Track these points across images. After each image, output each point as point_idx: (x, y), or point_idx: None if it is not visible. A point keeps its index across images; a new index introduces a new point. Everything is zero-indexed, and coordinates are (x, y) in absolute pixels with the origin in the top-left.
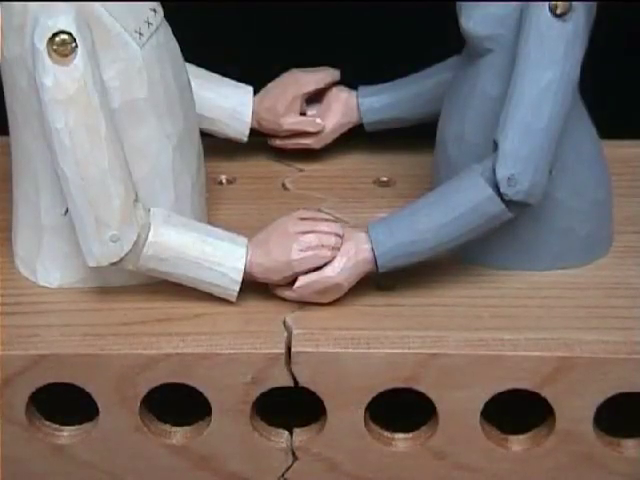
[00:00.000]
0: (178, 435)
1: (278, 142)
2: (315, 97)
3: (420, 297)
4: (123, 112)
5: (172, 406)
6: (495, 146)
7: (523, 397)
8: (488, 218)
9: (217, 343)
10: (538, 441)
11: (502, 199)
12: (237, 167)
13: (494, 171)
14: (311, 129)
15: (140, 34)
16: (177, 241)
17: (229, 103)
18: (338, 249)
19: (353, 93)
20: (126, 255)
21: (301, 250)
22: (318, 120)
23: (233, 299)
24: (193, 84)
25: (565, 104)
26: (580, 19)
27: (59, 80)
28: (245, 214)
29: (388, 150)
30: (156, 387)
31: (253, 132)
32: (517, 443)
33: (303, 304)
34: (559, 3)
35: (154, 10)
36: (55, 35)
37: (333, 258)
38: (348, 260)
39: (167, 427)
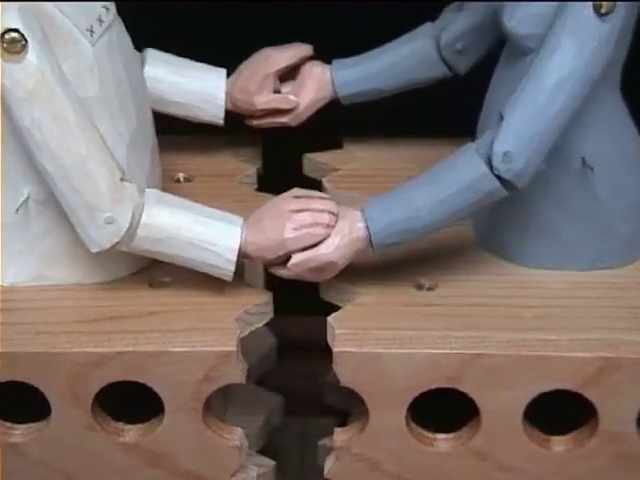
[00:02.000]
0: (131, 433)
1: (255, 122)
2: (290, 74)
3: (460, 297)
4: None
5: (127, 404)
6: (500, 119)
7: (562, 397)
8: (483, 195)
9: (169, 341)
10: (580, 442)
11: (494, 174)
12: (195, 165)
13: (492, 144)
14: (284, 106)
15: (91, 32)
16: (171, 221)
17: (202, 87)
18: (333, 227)
19: (327, 67)
20: (123, 236)
21: (295, 228)
22: (291, 97)
23: (229, 279)
24: (163, 70)
25: (577, 101)
26: (618, 22)
27: (16, 78)
28: None
29: (424, 149)
30: (110, 385)
31: (229, 114)
32: (559, 444)
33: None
34: (604, 2)
35: (106, 8)
36: (3, 35)
37: (328, 236)
38: (342, 238)
39: (120, 425)
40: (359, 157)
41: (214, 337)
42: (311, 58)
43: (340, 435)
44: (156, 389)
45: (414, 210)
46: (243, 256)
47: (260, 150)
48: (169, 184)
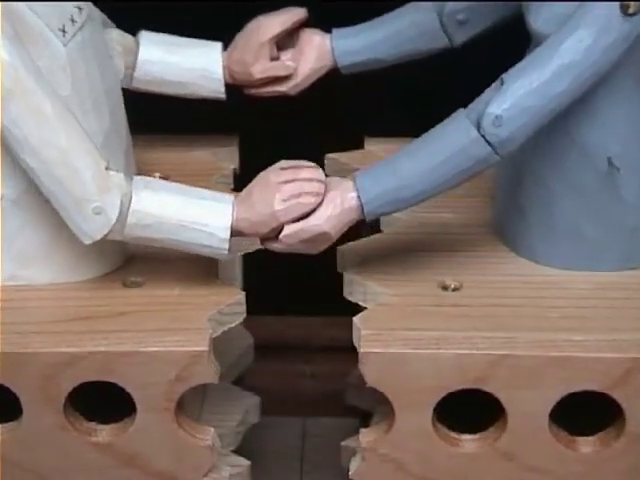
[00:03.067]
0: (103, 433)
1: (253, 91)
2: (288, 41)
3: (486, 297)
4: None
5: (102, 404)
6: (500, 82)
7: (587, 398)
8: (474, 161)
9: (141, 341)
10: (607, 443)
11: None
12: (171, 164)
13: (486, 104)
14: (282, 73)
15: (64, 32)
16: (160, 206)
17: (199, 64)
18: (321, 195)
19: (327, 36)
20: (114, 225)
21: (284, 200)
22: (289, 63)
23: (223, 258)
24: (158, 50)
25: (579, 90)
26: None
27: None
28: None
29: None
30: (84, 385)
31: (230, 87)
32: (586, 445)
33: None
34: (632, 3)
35: (79, 8)
36: None
37: (319, 206)
38: (334, 208)
39: (92, 425)
40: (381, 157)
41: (186, 337)
42: (305, 23)
43: (366, 436)
44: (128, 389)
45: (405, 179)
46: (236, 233)
47: (237, 150)
48: None
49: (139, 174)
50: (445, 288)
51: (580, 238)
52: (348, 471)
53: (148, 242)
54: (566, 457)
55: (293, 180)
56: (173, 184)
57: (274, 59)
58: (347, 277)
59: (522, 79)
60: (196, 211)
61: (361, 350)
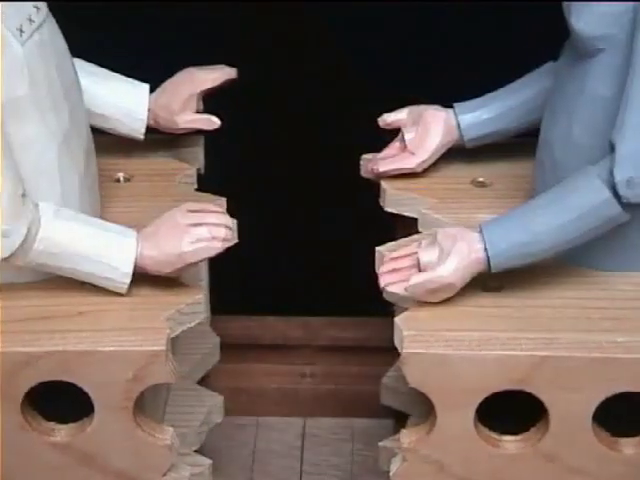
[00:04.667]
0: (62, 432)
1: (381, 169)
2: (414, 119)
3: (527, 298)
4: (6, 109)
5: (64, 404)
6: (611, 148)
7: (629, 398)
8: (605, 220)
9: (99, 340)
10: None
11: (619, 201)
12: (135, 165)
13: (612, 173)
14: (207, 127)
15: (21, 31)
16: (67, 235)
17: (124, 101)
18: (229, 240)
19: (450, 111)
20: (17, 250)
21: (192, 242)
22: (214, 118)
23: (124, 292)
24: (87, 81)
25: None
26: None
27: None
28: (141, 212)
29: (483, 151)
30: (44, 385)
31: (150, 130)
32: (628, 446)
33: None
34: None
35: (37, 7)
36: None
37: (446, 257)
38: (461, 260)
39: (51, 425)
40: None
41: (143, 337)
42: (234, 81)
43: (407, 437)
44: (86, 389)
45: (534, 234)
46: (139, 269)
47: (202, 150)
48: (109, 184)
49: (102, 175)
50: (486, 289)
51: (621, 240)
52: (388, 472)
53: (52, 270)
54: (608, 458)
55: (201, 224)
56: (82, 215)
57: (198, 111)
58: None
59: (627, 133)
60: (102, 243)
61: (403, 351)
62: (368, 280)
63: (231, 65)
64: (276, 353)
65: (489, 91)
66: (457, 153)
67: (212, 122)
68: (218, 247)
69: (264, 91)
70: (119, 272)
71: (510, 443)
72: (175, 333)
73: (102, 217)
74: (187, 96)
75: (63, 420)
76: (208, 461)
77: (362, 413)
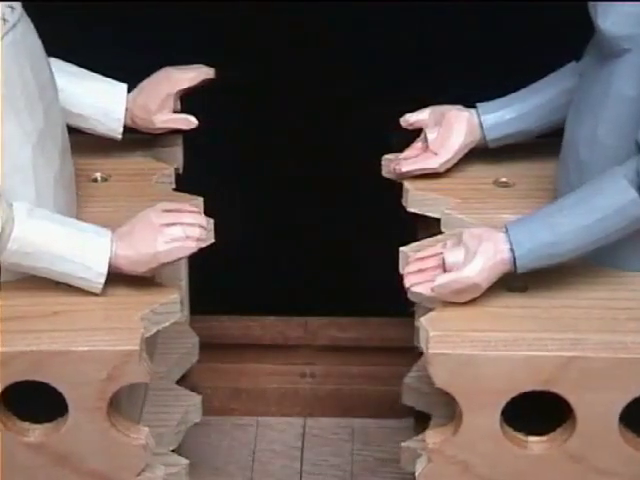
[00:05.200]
0: (36, 433)
1: (404, 169)
2: (436, 119)
3: (553, 299)
4: None
5: (40, 404)
6: (637, 148)
7: None
8: (631, 221)
9: (73, 340)
10: None
11: None
12: (113, 164)
13: (638, 174)
14: (184, 127)
15: None
16: (41, 235)
17: (102, 101)
18: (203, 240)
19: (473, 111)
20: None
21: (166, 242)
22: (191, 118)
23: (99, 291)
24: (65, 81)
25: None
26: None
27: None
28: (117, 211)
29: (505, 151)
30: (18, 385)
31: (128, 129)
32: None
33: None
34: None
35: (11, 7)
36: None
37: (472, 257)
38: (487, 260)
39: (25, 425)
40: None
41: (117, 336)
42: (212, 80)
43: (432, 437)
44: (60, 389)
45: (559, 235)
46: (114, 269)
47: (181, 150)
48: (86, 183)
49: (80, 174)
50: (511, 289)
51: None
52: (414, 473)
53: (26, 269)
54: (634, 459)
55: (176, 223)
56: (56, 215)
57: (176, 112)
58: None
59: None
60: (76, 243)
61: (429, 351)
62: (368, 280)
63: (226, 64)
64: (276, 353)
65: (490, 91)
66: (479, 153)
67: (189, 122)
68: (192, 247)
69: (248, 91)
70: (93, 272)
71: (536, 444)
72: (150, 333)
73: (79, 217)
74: (164, 96)
75: (37, 420)
76: (185, 461)
77: (362, 413)
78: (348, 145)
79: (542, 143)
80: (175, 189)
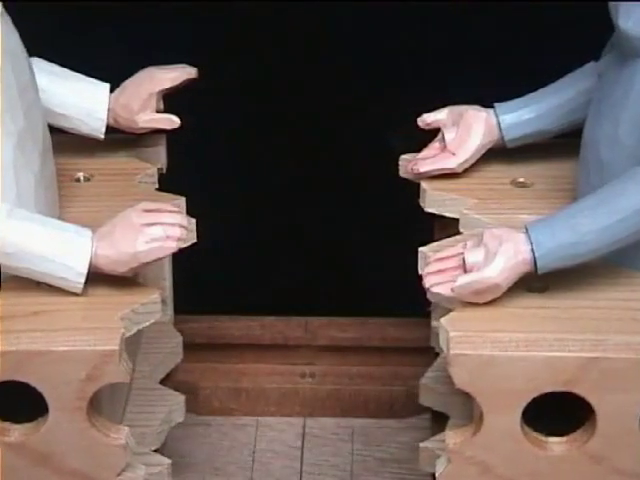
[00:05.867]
0: (16, 433)
1: (422, 170)
2: (454, 120)
3: (573, 299)
4: None
5: (17, 404)
6: None
7: None
8: None
9: (52, 340)
10: None
11: None
12: (96, 164)
13: None
14: (166, 126)
15: None
16: (22, 235)
17: (84, 100)
18: (184, 240)
19: (491, 111)
20: None
21: (147, 242)
22: (174, 118)
23: (79, 291)
24: (47, 80)
25: None
26: None
27: None
28: (100, 211)
29: (523, 151)
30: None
31: (111, 129)
32: None
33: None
34: None
35: None
36: None
37: (493, 257)
38: (508, 260)
39: (5, 425)
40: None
41: (97, 336)
42: (195, 80)
43: (452, 438)
44: (39, 389)
45: (580, 235)
46: (95, 269)
47: (164, 149)
48: (68, 183)
49: (63, 174)
50: (531, 290)
51: None
52: (434, 474)
53: (6, 269)
54: None
55: (156, 223)
56: (36, 215)
57: (159, 111)
58: None
59: None
60: (56, 243)
61: (450, 352)
62: (368, 280)
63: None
64: (276, 353)
65: (489, 91)
66: (496, 153)
67: (172, 121)
68: (173, 247)
69: (240, 90)
70: (74, 272)
71: (556, 445)
72: (130, 333)
73: (61, 217)
74: (147, 95)
75: (17, 420)
76: (167, 461)
77: (362, 413)
78: (348, 145)
79: (559, 143)
80: (160, 189)
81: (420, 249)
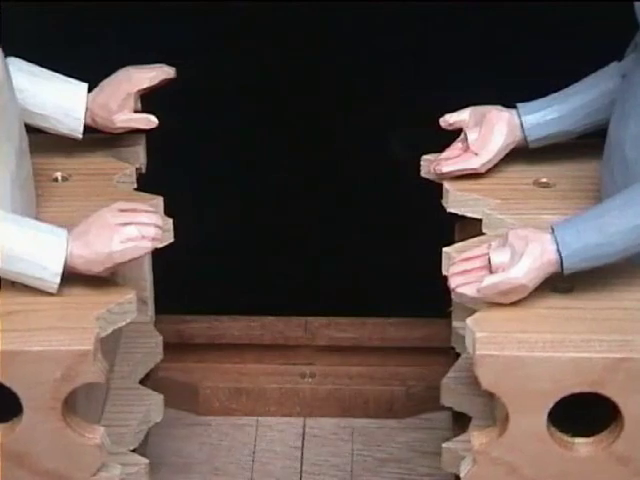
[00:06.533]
0: None
1: (444, 170)
2: (476, 120)
3: (598, 300)
4: None
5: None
6: None
7: None
8: None
9: (27, 340)
10: None
11: None
12: (74, 164)
13: None
14: (144, 126)
15: None
16: None
17: (62, 100)
18: (159, 240)
19: (513, 111)
20: None
21: (121, 242)
22: (151, 117)
23: (54, 291)
24: (25, 80)
25: None
26: None
27: None
28: (77, 211)
29: (545, 151)
30: None
31: (90, 129)
32: None
33: None
34: None
35: None
36: None
37: (519, 258)
38: (534, 261)
39: None
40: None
41: (72, 336)
42: (172, 80)
43: (478, 439)
44: (14, 389)
45: (607, 236)
46: (70, 269)
47: (143, 149)
48: (46, 183)
49: (41, 174)
50: (556, 290)
51: None
52: (458, 476)
53: None
54: None
55: (131, 223)
56: (11, 215)
57: (136, 111)
58: None
59: None
60: (32, 243)
61: (477, 353)
62: (368, 280)
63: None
64: (276, 353)
65: (490, 91)
66: (518, 153)
67: (150, 121)
68: (148, 246)
69: (231, 91)
70: (49, 272)
71: (582, 446)
72: (106, 332)
73: (38, 217)
74: (125, 95)
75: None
76: (144, 460)
77: (362, 413)
78: (348, 144)
79: (582, 143)
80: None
81: (444, 249)
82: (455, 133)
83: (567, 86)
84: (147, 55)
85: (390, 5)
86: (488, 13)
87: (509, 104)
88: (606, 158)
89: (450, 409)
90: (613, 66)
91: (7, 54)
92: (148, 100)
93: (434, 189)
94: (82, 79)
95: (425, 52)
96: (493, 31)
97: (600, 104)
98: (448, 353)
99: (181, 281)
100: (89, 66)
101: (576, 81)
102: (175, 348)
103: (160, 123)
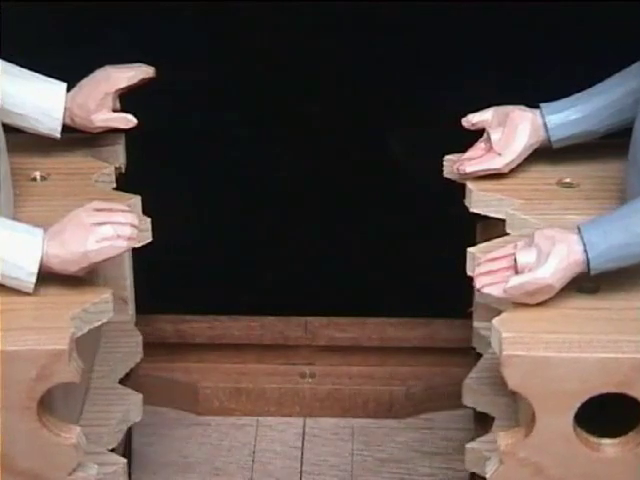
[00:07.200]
0: None
1: (468, 169)
2: (500, 120)
3: (624, 300)
4: None
5: None
6: None
7: None
8: None
9: (3, 340)
10: None
11: None
12: (53, 163)
13: None
14: (122, 126)
15: None
16: None
17: (41, 99)
18: (134, 239)
19: (537, 112)
20: None
21: (97, 241)
22: (130, 117)
23: (30, 291)
24: (4, 80)
25: None
26: None
27: None
28: (55, 211)
29: (568, 151)
30: None
31: (68, 128)
32: None
33: None
34: None
35: None
36: None
37: (546, 258)
38: (561, 261)
39: None
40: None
41: (47, 336)
42: (152, 79)
43: (504, 439)
44: None
45: (633, 236)
46: (46, 269)
47: (123, 148)
48: (25, 182)
49: (19, 173)
50: (582, 290)
51: None
52: (475, 474)
53: None
54: None
55: (107, 222)
56: None
57: (115, 111)
58: None
59: None
60: (7, 242)
61: (503, 353)
62: (368, 280)
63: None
64: (276, 353)
65: (490, 91)
66: (541, 153)
67: (128, 121)
68: (123, 246)
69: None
70: (25, 271)
71: (609, 446)
72: (82, 332)
73: (16, 216)
74: (103, 95)
75: None
76: (122, 460)
77: (362, 413)
78: (349, 144)
79: (605, 143)
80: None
81: (469, 249)
82: (455, 133)
83: (567, 86)
84: (147, 55)
85: (390, 5)
86: (488, 13)
87: (509, 104)
88: (631, 158)
89: (453, 408)
90: (637, 65)
91: (7, 54)
92: (148, 100)
93: (434, 189)
94: (82, 79)
95: (425, 52)
96: (493, 31)
97: (624, 104)
98: (448, 353)
99: (181, 281)
100: (89, 66)
101: (576, 81)
102: (175, 348)
103: (160, 123)
